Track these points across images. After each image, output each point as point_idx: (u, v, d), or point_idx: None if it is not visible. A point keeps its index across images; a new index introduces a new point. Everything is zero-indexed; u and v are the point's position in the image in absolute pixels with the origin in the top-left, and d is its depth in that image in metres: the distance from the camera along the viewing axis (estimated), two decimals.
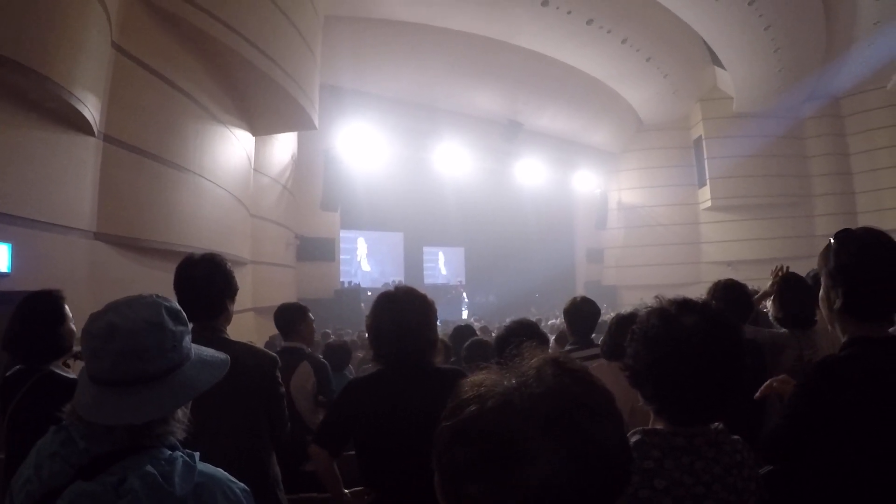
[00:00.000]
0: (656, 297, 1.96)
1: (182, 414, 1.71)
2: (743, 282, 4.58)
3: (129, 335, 1.56)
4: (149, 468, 1.50)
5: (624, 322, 3.96)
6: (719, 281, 4.44)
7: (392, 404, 2.79)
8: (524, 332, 3.75)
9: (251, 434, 3.11)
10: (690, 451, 1.73)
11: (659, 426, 1.81)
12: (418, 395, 2.76)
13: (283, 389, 3.30)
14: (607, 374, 3.71)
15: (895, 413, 1.89)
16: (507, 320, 16.00)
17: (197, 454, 1.65)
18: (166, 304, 1.70)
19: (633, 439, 1.78)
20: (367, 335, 3.04)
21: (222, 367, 1.83)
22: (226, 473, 1.70)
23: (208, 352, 1.83)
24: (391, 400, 2.80)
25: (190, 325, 1.78)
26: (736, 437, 1.84)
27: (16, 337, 3.16)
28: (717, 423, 1.81)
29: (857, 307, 2.08)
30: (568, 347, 4.86)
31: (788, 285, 4.38)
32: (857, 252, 2.04)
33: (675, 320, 1.77)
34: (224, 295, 3.20)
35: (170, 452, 1.59)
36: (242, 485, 1.72)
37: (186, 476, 1.55)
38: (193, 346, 1.79)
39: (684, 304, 1.83)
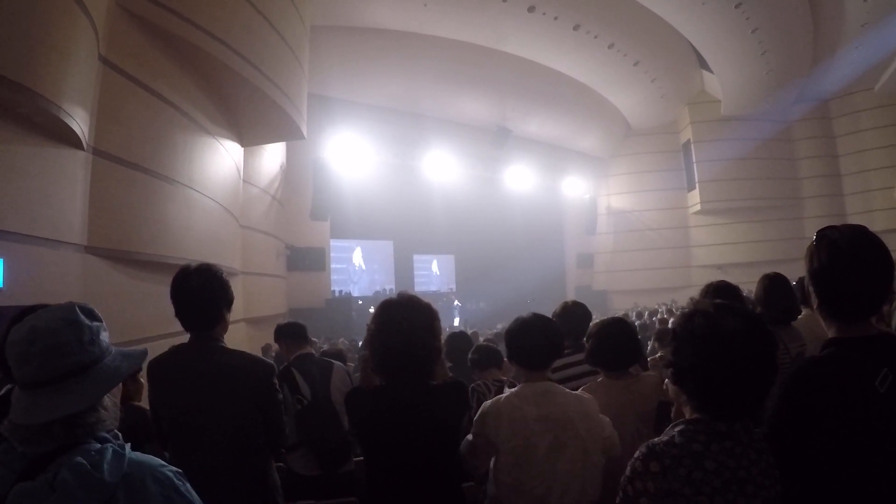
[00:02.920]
0: (691, 298, 2.12)
1: (112, 404, 1.81)
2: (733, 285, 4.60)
3: (49, 334, 1.69)
4: (79, 459, 1.60)
5: (610, 328, 3.84)
6: (711, 283, 4.44)
7: (396, 419, 2.77)
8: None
9: (249, 441, 3.13)
10: (731, 437, 1.88)
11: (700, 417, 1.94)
12: (423, 409, 2.78)
13: (280, 396, 3.31)
14: (599, 391, 3.65)
15: (870, 412, 1.92)
16: (499, 326, 15.75)
17: (128, 444, 1.75)
18: (79, 304, 1.83)
19: (678, 428, 1.93)
20: (360, 343, 2.99)
21: (141, 357, 1.96)
22: (157, 459, 1.79)
23: (128, 349, 1.94)
24: (395, 414, 2.77)
25: (104, 322, 1.88)
26: (757, 430, 1.98)
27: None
28: None
29: (831, 307, 2.13)
30: None
31: (772, 284, 4.45)
32: (829, 254, 2.08)
33: (718, 321, 1.90)
34: (221, 304, 3.23)
35: (100, 445, 1.68)
36: (175, 468, 1.79)
37: (116, 463, 1.64)
38: (114, 347, 1.89)
39: (724, 307, 1.96)
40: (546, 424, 3.09)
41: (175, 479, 1.75)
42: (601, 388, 3.68)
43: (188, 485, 1.79)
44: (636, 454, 1.94)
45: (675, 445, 1.87)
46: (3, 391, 3.18)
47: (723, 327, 1.87)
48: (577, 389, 3.50)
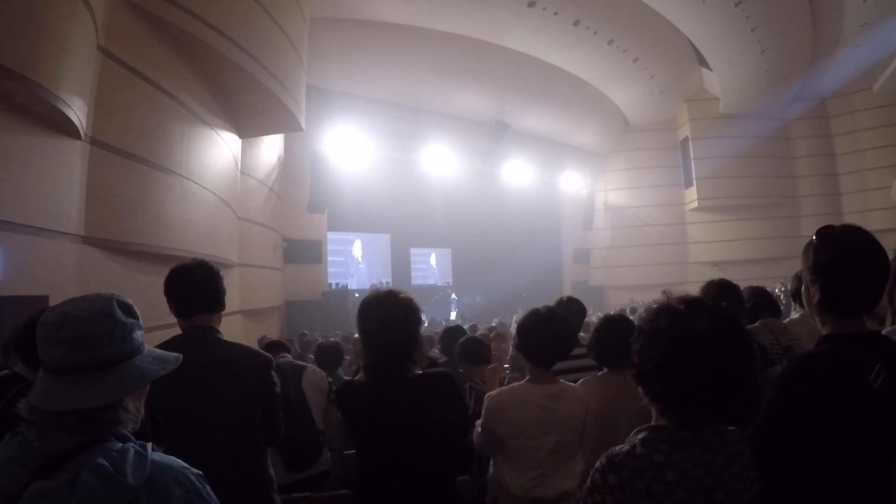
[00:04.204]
0: (664, 292, 1.96)
1: (133, 406, 1.74)
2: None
3: (79, 323, 1.63)
4: (100, 460, 1.53)
5: (612, 323, 3.82)
6: (713, 280, 4.41)
7: (380, 412, 2.78)
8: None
9: (248, 435, 3.12)
10: (698, 444, 1.74)
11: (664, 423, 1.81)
12: (406, 401, 2.79)
13: (277, 389, 3.30)
14: (596, 385, 3.65)
15: (865, 406, 1.93)
16: (495, 321, 15.72)
17: (150, 444, 1.68)
18: (118, 298, 1.76)
19: (640, 436, 1.79)
20: (355, 336, 3.00)
21: (173, 363, 1.87)
22: (179, 461, 1.73)
23: (161, 351, 1.88)
24: (379, 407, 2.79)
25: (140, 320, 1.83)
26: (732, 427, 1.85)
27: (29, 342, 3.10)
28: None
29: (833, 303, 2.12)
30: None
31: (757, 294, 4.65)
32: (835, 250, 2.08)
33: (686, 320, 1.76)
34: (221, 288, 3.26)
35: (121, 444, 1.62)
36: (197, 471, 1.74)
37: (139, 465, 1.58)
38: (148, 346, 1.84)
39: (694, 304, 1.82)
40: (552, 426, 3.13)
41: (197, 483, 1.70)
42: (599, 382, 3.66)
43: (209, 488, 1.74)
44: (596, 464, 1.84)
45: (635, 456, 1.75)
46: (2, 373, 3.21)
47: (689, 328, 1.74)
48: (576, 382, 3.52)
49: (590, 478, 1.83)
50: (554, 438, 3.13)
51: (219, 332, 3.23)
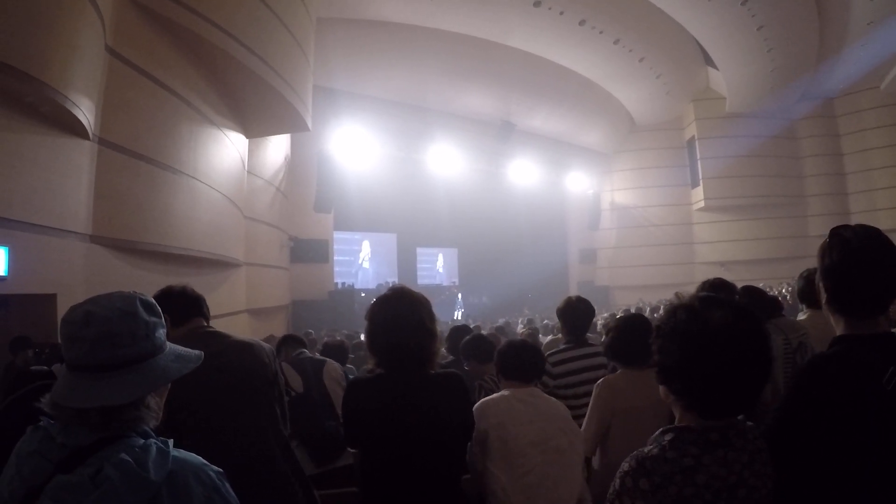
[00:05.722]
0: (677, 293, 1.98)
1: (155, 403, 1.76)
2: (734, 282, 4.64)
3: (103, 321, 1.64)
4: (123, 456, 1.55)
5: (630, 322, 3.85)
6: (707, 280, 4.45)
7: (389, 410, 2.77)
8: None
9: (262, 427, 3.11)
10: (724, 444, 1.77)
11: (688, 422, 1.84)
12: (415, 400, 2.79)
13: (278, 370, 3.32)
14: (618, 382, 3.67)
15: (878, 409, 1.93)
16: (500, 321, 15.73)
17: (171, 441, 1.70)
18: (141, 297, 1.78)
19: (668, 437, 1.81)
20: (361, 336, 3.03)
21: (195, 361, 1.89)
22: (199, 458, 1.74)
23: (183, 348, 1.90)
24: (388, 406, 2.78)
25: (163, 319, 1.84)
26: (750, 423, 1.89)
27: None
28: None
29: (842, 304, 2.12)
30: (562, 346, 4.86)
31: (749, 294, 4.65)
32: (844, 251, 2.07)
33: (704, 315, 1.80)
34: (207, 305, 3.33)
35: (143, 441, 1.64)
36: (217, 468, 1.75)
37: (160, 461, 1.59)
38: (170, 343, 1.85)
39: (711, 300, 1.86)
40: (533, 415, 3.27)
41: (216, 480, 1.71)
42: (622, 377, 3.73)
43: (228, 485, 1.75)
44: (625, 466, 1.84)
45: (665, 461, 1.76)
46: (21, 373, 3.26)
47: (708, 322, 1.79)
48: (588, 382, 3.61)
49: (618, 480, 1.83)
50: (537, 426, 3.24)
51: (214, 328, 3.27)
